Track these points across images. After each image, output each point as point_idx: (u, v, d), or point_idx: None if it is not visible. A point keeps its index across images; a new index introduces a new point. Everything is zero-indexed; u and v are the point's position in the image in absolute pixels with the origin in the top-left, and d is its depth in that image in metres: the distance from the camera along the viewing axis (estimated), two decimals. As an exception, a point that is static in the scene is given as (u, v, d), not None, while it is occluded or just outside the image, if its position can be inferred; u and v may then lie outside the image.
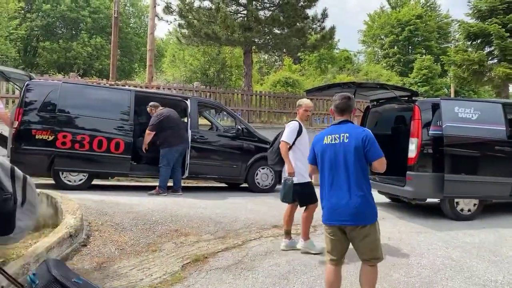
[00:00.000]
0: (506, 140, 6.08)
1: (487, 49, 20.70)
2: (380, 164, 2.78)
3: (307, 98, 6.69)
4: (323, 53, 30.98)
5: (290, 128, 4.56)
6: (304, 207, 4.49)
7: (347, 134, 2.78)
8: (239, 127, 8.01)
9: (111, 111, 7.08)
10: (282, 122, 12.94)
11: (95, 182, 7.57)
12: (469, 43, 21.56)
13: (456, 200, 6.05)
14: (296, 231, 4.90)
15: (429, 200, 6.48)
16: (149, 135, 7.06)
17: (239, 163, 7.88)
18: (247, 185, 8.14)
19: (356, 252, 2.89)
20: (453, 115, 5.94)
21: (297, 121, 4.66)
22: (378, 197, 7.28)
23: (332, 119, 3.83)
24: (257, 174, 8.04)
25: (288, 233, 4.58)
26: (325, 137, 2.89)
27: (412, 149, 5.83)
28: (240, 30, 12.98)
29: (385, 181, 6.41)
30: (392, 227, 5.57)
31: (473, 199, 6.14)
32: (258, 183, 8.06)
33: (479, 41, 20.70)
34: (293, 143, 4.49)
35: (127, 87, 10.75)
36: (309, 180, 4.51)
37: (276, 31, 14.34)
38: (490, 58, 20.51)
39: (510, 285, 3.61)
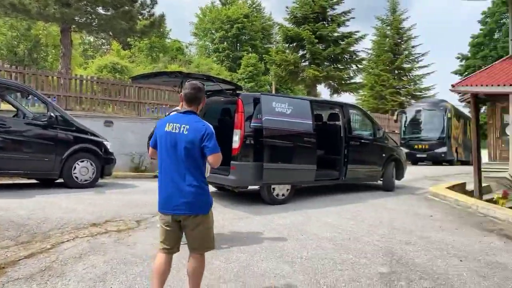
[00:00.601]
0: (312, 133, 6.99)
1: (301, 52, 23.66)
2: (215, 159, 2.84)
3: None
4: (155, 41, 30.25)
5: None
6: None
7: (188, 126, 2.77)
8: (52, 114, 7.03)
9: None
10: (107, 111, 11.97)
11: None
12: (287, 45, 24.26)
13: (272, 186, 6.66)
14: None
15: (250, 187, 6.94)
16: None
17: (52, 156, 6.95)
18: (63, 181, 7.26)
19: (186, 242, 2.87)
20: (271, 109, 6.50)
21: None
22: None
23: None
24: (74, 168, 7.25)
25: None
26: (167, 124, 2.82)
27: (236, 140, 6.15)
28: (56, 5, 11.39)
29: (211, 171, 6.57)
30: (217, 215, 5.66)
31: (287, 185, 6.87)
32: (76, 177, 7.28)
33: (294, 44, 23.48)
34: None
35: None
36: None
37: (101, 11, 13.17)
38: (303, 60, 23.50)
39: (312, 259, 4.12)
